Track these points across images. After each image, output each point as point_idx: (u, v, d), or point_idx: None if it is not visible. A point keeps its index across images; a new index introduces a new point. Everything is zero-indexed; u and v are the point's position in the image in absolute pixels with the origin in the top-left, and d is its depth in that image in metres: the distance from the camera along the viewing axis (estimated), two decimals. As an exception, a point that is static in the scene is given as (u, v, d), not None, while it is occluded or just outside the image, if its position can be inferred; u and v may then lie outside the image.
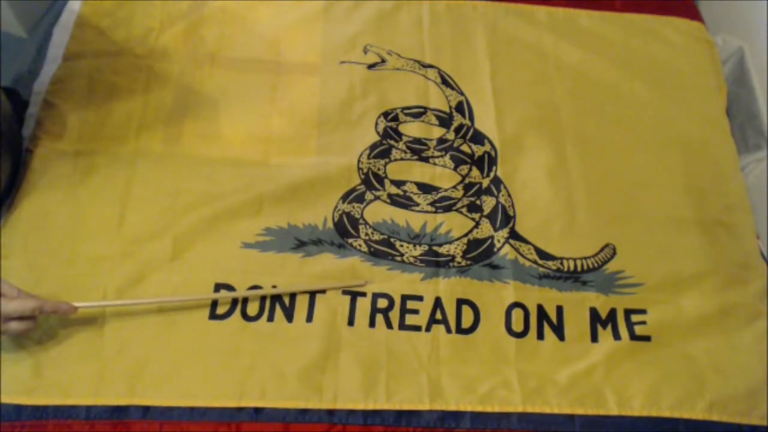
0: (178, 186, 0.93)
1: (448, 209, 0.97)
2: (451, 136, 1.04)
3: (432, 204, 0.97)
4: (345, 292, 0.88)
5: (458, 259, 0.92)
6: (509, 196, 0.98)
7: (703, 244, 0.97)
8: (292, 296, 0.87)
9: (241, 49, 1.09)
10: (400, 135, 1.03)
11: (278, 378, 0.81)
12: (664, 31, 1.19)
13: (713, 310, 0.91)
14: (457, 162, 1.01)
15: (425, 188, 0.98)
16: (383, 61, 1.10)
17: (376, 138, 1.02)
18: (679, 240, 0.97)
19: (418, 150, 1.02)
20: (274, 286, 0.87)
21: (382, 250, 0.92)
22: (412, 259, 0.92)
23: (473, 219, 0.96)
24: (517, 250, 0.94)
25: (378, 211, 0.95)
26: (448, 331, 0.87)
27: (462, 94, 1.08)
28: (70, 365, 0.79)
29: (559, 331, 0.88)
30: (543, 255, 0.94)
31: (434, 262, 0.92)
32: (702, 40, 1.19)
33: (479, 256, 0.93)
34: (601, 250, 0.95)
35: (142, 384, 0.79)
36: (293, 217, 0.93)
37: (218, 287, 0.86)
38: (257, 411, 0.79)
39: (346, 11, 1.15)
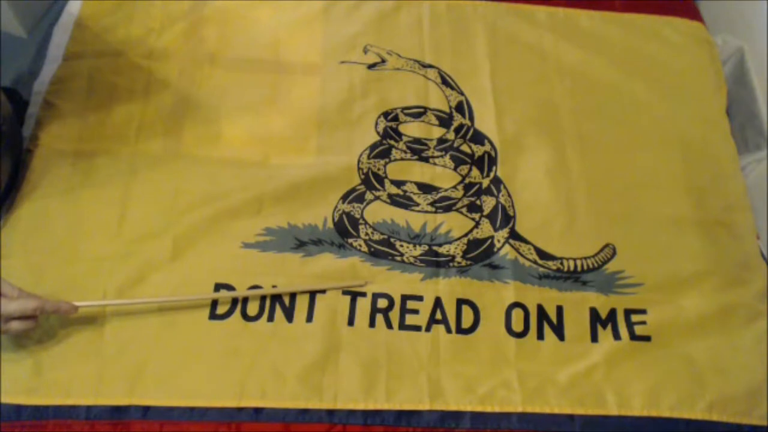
0: (178, 186, 0.93)
1: (448, 209, 0.97)
2: (451, 136, 1.04)
3: (432, 204, 0.97)
4: (345, 292, 0.88)
5: (458, 259, 0.92)
6: (509, 196, 0.98)
7: (703, 244, 0.97)
8: (292, 296, 0.87)
9: (241, 49, 1.09)
10: (400, 135, 1.03)
11: (278, 378, 0.81)
12: (664, 31, 1.19)
13: (713, 310, 0.91)
14: (457, 162, 1.01)
15: (425, 188, 0.98)
16: (383, 61, 1.10)
17: (376, 138, 1.02)
18: (679, 240, 0.97)
19: (418, 150, 1.02)
20: (274, 286, 0.87)
21: (382, 250, 0.92)
22: (412, 259, 0.92)
23: (473, 219, 0.96)
24: (517, 250, 0.94)
25: (378, 211, 0.95)
26: (448, 331, 0.87)
27: (462, 94, 1.08)
28: (70, 365, 0.79)
29: (559, 331, 0.88)
30: (543, 255, 0.94)
31: (434, 262, 0.92)
32: (702, 40, 1.19)
33: (479, 256, 0.93)
34: (601, 250, 0.95)
35: (142, 384, 0.79)
36: (293, 217, 0.93)
37: (218, 287, 0.86)
38: (257, 411, 0.79)
39: (346, 11, 1.15)
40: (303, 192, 0.95)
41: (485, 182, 0.99)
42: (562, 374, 0.84)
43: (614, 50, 1.15)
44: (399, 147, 1.02)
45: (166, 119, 1.00)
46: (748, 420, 0.83)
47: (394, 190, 0.98)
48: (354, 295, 0.88)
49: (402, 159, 1.01)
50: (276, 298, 0.86)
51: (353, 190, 0.97)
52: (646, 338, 0.88)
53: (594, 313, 0.90)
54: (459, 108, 1.07)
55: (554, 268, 0.93)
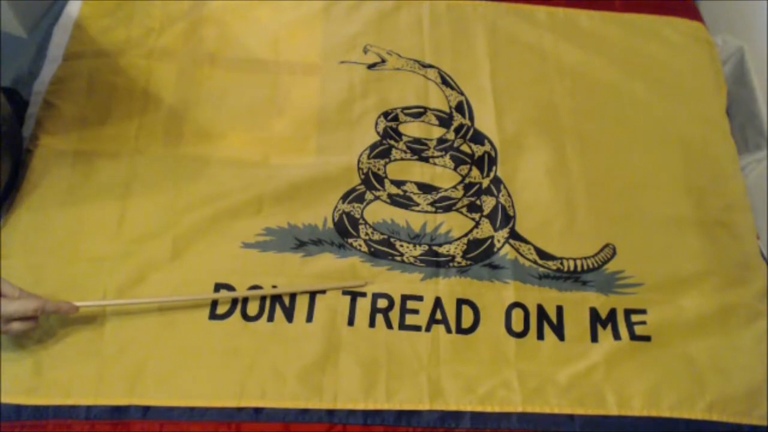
0: (178, 186, 0.93)
1: (448, 209, 0.97)
2: (451, 136, 1.04)
3: (432, 204, 0.97)
4: (345, 293, 0.88)
5: (458, 259, 0.92)
6: (509, 196, 0.98)
7: (703, 244, 0.97)
8: (292, 296, 0.87)
9: (241, 49, 1.09)
10: (400, 135, 1.03)
11: (278, 378, 0.81)
12: (664, 31, 1.19)
13: (713, 310, 0.91)
14: (457, 162, 1.01)
15: (425, 188, 0.98)
16: (383, 61, 1.10)
17: (376, 138, 1.02)
18: (679, 240, 0.97)
19: (418, 150, 1.02)
20: (274, 286, 0.87)
21: (382, 250, 0.92)
22: (412, 259, 0.92)
23: (473, 219, 0.96)
24: (517, 250, 0.94)
25: (378, 211, 0.95)
26: (448, 331, 0.87)
27: (462, 94, 1.08)
28: (70, 365, 0.79)
29: (559, 331, 0.88)
30: (543, 255, 0.94)
31: (434, 262, 0.92)
32: (702, 40, 1.19)
33: (479, 256, 0.93)
34: (601, 250, 0.95)
35: (142, 384, 0.79)
36: (293, 217, 0.93)
37: (218, 287, 0.86)
38: (257, 411, 0.79)
39: (346, 11, 1.15)
40: (303, 192, 0.95)
41: (485, 182, 0.99)
42: (562, 374, 0.84)
43: (614, 50, 1.15)
44: (399, 147, 1.02)
45: (166, 119, 1.00)
46: (748, 420, 0.83)
47: (394, 190, 0.98)
48: (354, 295, 0.88)
49: (402, 159, 1.01)
50: (276, 298, 0.86)
51: (353, 190, 0.97)
52: (646, 338, 0.88)
53: (594, 313, 0.90)
54: (459, 108, 1.07)
55: (554, 268, 0.93)
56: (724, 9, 1.25)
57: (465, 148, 1.03)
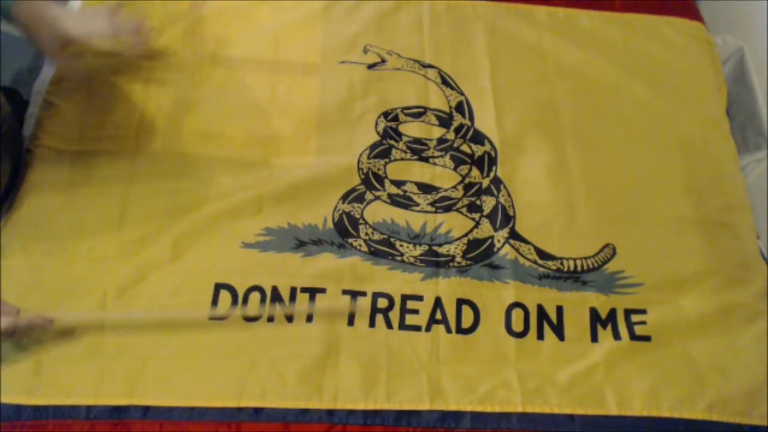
0: (178, 186, 0.93)
1: (448, 209, 0.97)
2: (451, 136, 1.04)
3: (432, 204, 0.97)
4: (345, 292, 0.88)
5: (458, 259, 0.92)
6: (509, 196, 0.98)
7: (703, 244, 0.97)
8: (292, 296, 0.87)
9: (241, 49, 1.09)
10: (400, 135, 1.03)
11: (278, 378, 0.81)
12: (664, 31, 1.19)
13: (713, 310, 0.91)
14: (457, 162, 1.01)
15: (425, 188, 0.98)
16: (383, 61, 1.10)
17: (376, 138, 1.02)
18: (679, 240, 0.97)
19: (418, 150, 1.02)
20: (274, 286, 0.87)
21: (382, 250, 0.92)
22: (412, 259, 0.92)
23: (473, 219, 0.96)
24: (517, 250, 0.94)
25: (378, 211, 0.95)
26: (448, 331, 0.87)
27: (462, 94, 1.08)
28: (70, 365, 0.80)
29: (559, 331, 0.88)
30: (543, 255, 0.94)
31: (434, 262, 0.92)
32: (702, 40, 1.19)
33: (479, 256, 0.93)
34: (601, 250, 0.95)
35: (142, 384, 0.79)
36: (293, 217, 0.93)
37: (218, 287, 0.86)
38: (257, 411, 0.79)
39: (346, 11, 1.15)
40: (303, 192, 0.95)
41: (485, 182, 0.99)
42: (562, 374, 0.84)
43: (614, 50, 1.15)
44: (399, 147, 1.02)
45: (166, 119, 1.00)
46: (748, 420, 0.83)
47: (394, 190, 0.98)
48: (354, 295, 0.88)
49: (402, 159, 1.01)
50: (276, 298, 0.86)
51: (353, 190, 0.97)
52: (646, 338, 0.88)
53: (594, 313, 0.90)
54: (459, 108, 1.07)
55: (554, 268, 0.93)
56: (724, 9, 1.25)
57: (465, 148, 1.03)
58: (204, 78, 1.05)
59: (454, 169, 1.01)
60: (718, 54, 1.19)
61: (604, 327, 0.89)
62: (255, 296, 0.86)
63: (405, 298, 0.88)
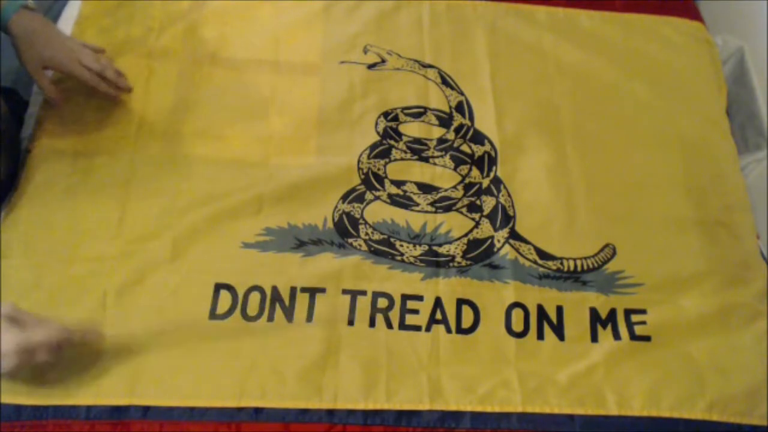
0: (178, 186, 0.93)
1: (448, 209, 0.97)
2: (451, 136, 1.04)
3: (432, 204, 0.97)
4: (345, 292, 0.88)
5: (458, 259, 0.92)
6: (509, 196, 0.98)
7: (703, 244, 0.97)
8: (292, 296, 0.87)
9: (241, 49, 1.09)
10: (400, 135, 1.03)
11: (278, 378, 0.81)
12: (664, 31, 1.19)
13: (713, 310, 0.91)
14: (457, 162, 1.01)
15: (425, 188, 0.98)
16: (383, 61, 1.10)
17: (376, 138, 1.02)
18: (679, 240, 0.97)
19: (418, 150, 1.02)
20: (274, 286, 0.87)
21: (382, 250, 0.92)
22: (412, 259, 0.92)
23: (473, 219, 0.96)
24: (517, 250, 0.94)
25: (378, 211, 0.95)
26: (448, 331, 0.87)
27: (462, 94, 1.08)
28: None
29: (559, 331, 0.88)
30: (543, 255, 0.94)
31: (434, 262, 0.92)
32: (702, 40, 1.19)
33: (479, 256, 0.93)
34: (601, 250, 0.95)
35: (142, 384, 0.79)
36: (293, 217, 0.93)
37: (218, 287, 0.86)
38: (257, 411, 0.79)
39: (346, 11, 1.15)
40: (303, 192, 0.95)
41: (485, 182, 0.99)
42: (562, 374, 0.84)
43: (614, 50, 1.15)
44: (399, 147, 1.02)
45: (166, 119, 1.00)
46: (748, 420, 0.83)
47: (394, 190, 0.98)
48: (354, 295, 0.88)
49: (402, 159, 1.01)
50: (276, 298, 0.86)
51: (353, 190, 0.97)
52: (646, 338, 0.88)
53: (594, 313, 0.90)
54: (459, 108, 1.07)
55: (554, 268, 0.93)
56: (724, 9, 1.25)
57: (465, 148, 1.03)
58: (204, 78, 1.05)
59: (454, 169, 1.01)
60: (718, 54, 1.19)
61: (604, 327, 0.89)
62: (255, 296, 0.86)
63: (405, 297, 0.88)
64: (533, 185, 1.00)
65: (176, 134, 0.99)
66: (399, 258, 0.92)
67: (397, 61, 1.10)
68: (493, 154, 1.02)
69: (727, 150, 1.07)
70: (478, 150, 1.03)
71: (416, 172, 1.00)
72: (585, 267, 0.93)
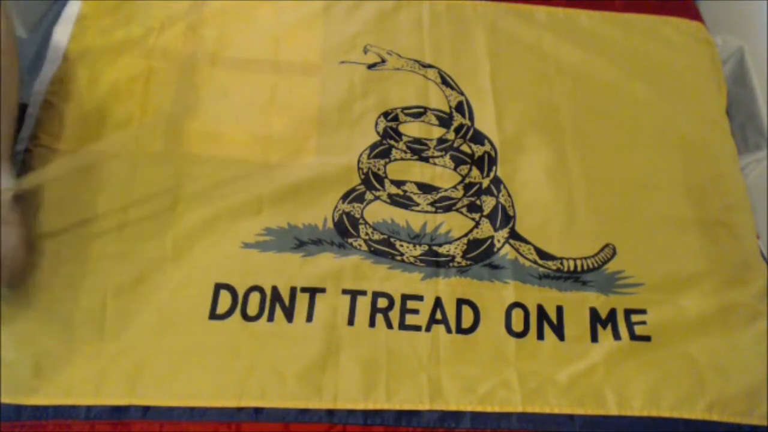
0: (178, 186, 0.93)
1: (448, 209, 0.97)
2: (451, 136, 1.04)
3: (432, 204, 0.97)
4: (345, 292, 0.88)
5: (458, 259, 0.92)
6: (509, 196, 0.98)
7: (703, 244, 0.97)
8: (292, 296, 0.87)
9: (241, 49, 1.09)
10: (400, 135, 1.03)
11: (278, 378, 0.81)
12: (664, 31, 1.19)
13: (713, 310, 0.91)
14: (457, 162, 1.01)
15: (425, 188, 0.98)
16: (383, 61, 1.10)
17: (376, 138, 1.02)
18: (679, 240, 0.97)
19: (418, 150, 1.02)
20: (274, 286, 0.87)
21: (382, 250, 0.92)
22: (412, 259, 0.92)
23: (473, 219, 0.96)
24: (517, 250, 0.94)
25: (378, 211, 0.95)
26: (448, 331, 0.87)
27: (462, 94, 1.08)
28: (70, 365, 0.79)
29: (559, 331, 0.88)
30: (543, 255, 0.94)
31: (434, 262, 0.92)
32: (702, 40, 1.19)
33: (479, 256, 0.93)
34: (601, 250, 0.95)
35: (142, 384, 0.79)
36: (293, 217, 0.93)
37: (218, 287, 0.86)
38: (257, 411, 0.79)
39: (346, 11, 1.15)
40: (303, 192, 0.95)
41: (485, 182, 0.99)
42: (562, 374, 0.84)
43: (614, 50, 1.15)
44: (399, 147, 1.02)
45: (166, 119, 1.00)
46: (748, 420, 0.83)
47: (394, 190, 0.98)
48: (354, 295, 0.88)
49: (402, 159, 1.01)
50: (276, 297, 0.86)
51: (353, 190, 0.97)
52: (646, 338, 0.88)
53: (594, 313, 0.90)
54: (459, 108, 1.07)
55: (554, 268, 0.93)
56: (724, 9, 1.25)
57: (465, 148, 1.03)
58: (204, 78, 1.05)
59: (454, 169, 1.01)
60: (718, 54, 1.19)
61: (604, 327, 0.89)
62: (255, 296, 0.86)
63: (405, 297, 0.88)
64: (533, 185, 1.00)
65: (176, 134, 0.99)
66: (399, 258, 0.92)
67: (397, 61, 1.10)
68: (493, 154, 1.02)
69: (727, 150, 1.07)
70: (478, 150, 1.03)
71: (416, 172, 1.00)
72: (585, 267, 0.93)
